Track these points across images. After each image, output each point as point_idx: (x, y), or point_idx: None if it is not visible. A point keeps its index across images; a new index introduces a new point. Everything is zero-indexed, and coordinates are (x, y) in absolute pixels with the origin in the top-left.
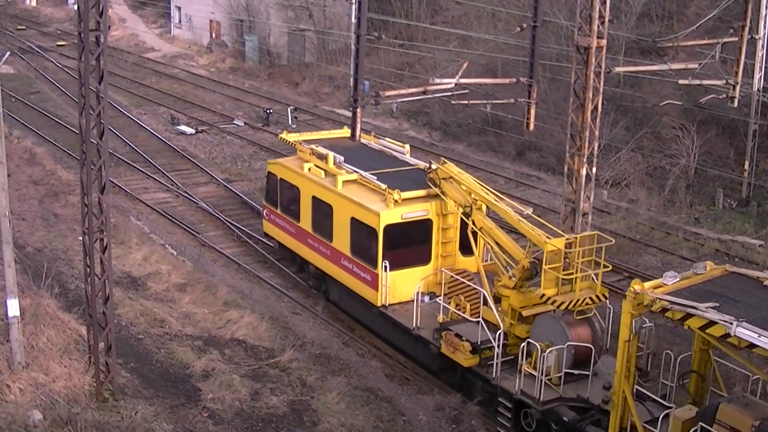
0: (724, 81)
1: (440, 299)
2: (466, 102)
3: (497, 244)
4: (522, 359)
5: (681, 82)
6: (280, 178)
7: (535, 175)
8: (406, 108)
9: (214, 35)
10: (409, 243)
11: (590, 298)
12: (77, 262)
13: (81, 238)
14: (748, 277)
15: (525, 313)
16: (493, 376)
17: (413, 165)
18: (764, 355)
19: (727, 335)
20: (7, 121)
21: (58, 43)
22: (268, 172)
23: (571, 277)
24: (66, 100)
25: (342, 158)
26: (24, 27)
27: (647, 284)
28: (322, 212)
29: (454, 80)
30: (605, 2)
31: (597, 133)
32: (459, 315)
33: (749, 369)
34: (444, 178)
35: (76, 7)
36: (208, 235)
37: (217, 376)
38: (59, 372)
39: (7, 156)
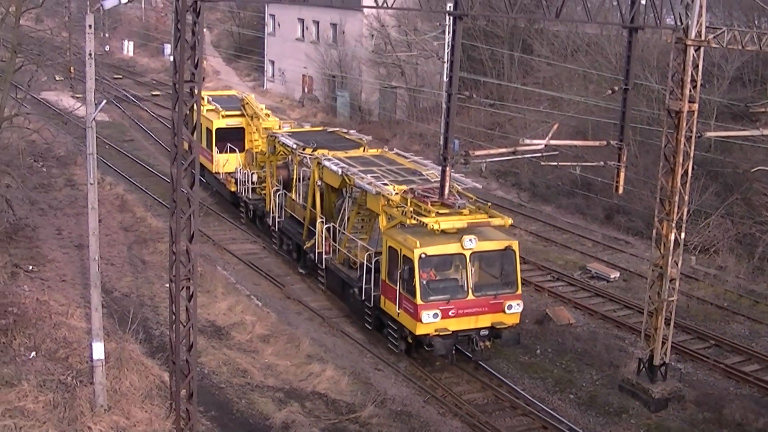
0: None
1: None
2: (556, 163)
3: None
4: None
5: None
6: None
7: (623, 239)
8: (495, 168)
9: (306, 90)
10: (230, 139)
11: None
12: (163, 309)
13: (168, 286)
14: (327, 130)
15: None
16: (239, 192)
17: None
18: (288, 151)
19: (282, 144)
20: (100, 167)
21: (153, 93)
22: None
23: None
24: (158, 148)
25: (211, 98)
26: (120, 76)
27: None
28: (206, 131)
29: (544, 141)
30: (697, 66)
31: (686, 198)
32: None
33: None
34: (246, 104)
35: (172, 58)
36: (293, 288)
37: (297, 429)
38: (140, 417)
39: (99, 202)
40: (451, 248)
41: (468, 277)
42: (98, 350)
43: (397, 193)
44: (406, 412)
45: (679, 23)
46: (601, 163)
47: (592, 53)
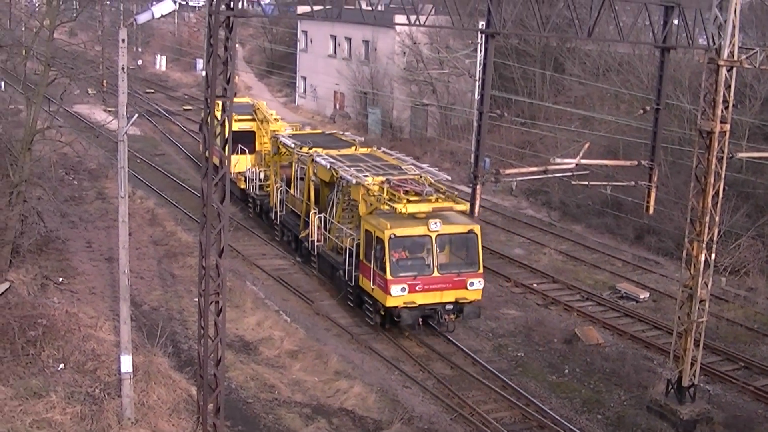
0: None
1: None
2: (587, 183)
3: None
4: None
5: None
6: None
7: (653, 259)
8: (526, 186)
9: (337, 106)
10: (241, 142)
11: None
12: (191, 323)
13: (197, 300)
14: (325, 132)
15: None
16: (247, 189)
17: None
18: (288, 150)
19: (283, 144)
20: (132, 181)
21: (185, 108)
22: None
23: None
24: (189, 163)
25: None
26: (152, 90)
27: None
28: None
29: (575, 161)
30: (730, 87)
31: (717, 218)
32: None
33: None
34: (257, 109)
35: (204, 73)
36: (322, 304)
37: None
38: (167, 430)
39: (129, 215)
40: (418, 230)
41: (434, 256)
42: (126, 363)
43: (374, 183)
44: (433, 430)
45: (711, 43)
46: (632, 183)
47: (624, 72)
